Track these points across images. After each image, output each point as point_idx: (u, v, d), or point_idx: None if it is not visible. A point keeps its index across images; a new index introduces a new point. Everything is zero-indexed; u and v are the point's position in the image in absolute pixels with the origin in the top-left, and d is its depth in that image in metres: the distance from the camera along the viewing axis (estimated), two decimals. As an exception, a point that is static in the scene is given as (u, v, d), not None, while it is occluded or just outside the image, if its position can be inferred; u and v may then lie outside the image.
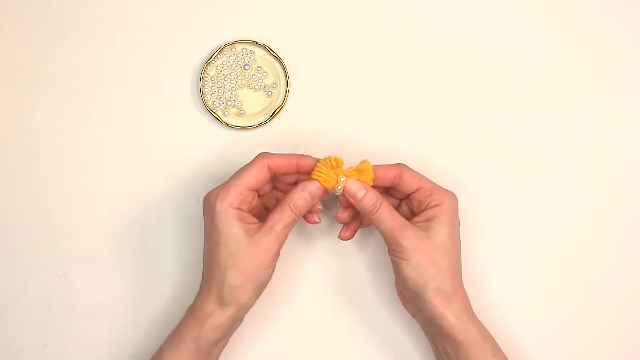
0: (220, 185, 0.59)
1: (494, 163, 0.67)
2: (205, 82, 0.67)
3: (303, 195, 0.58)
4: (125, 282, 0.66)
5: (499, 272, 0.66)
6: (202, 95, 0.66)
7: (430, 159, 0.66)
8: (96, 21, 0.67)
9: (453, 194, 0.60)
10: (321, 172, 0.59)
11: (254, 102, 0.67)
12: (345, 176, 0.58)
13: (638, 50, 0.68)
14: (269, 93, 0.67)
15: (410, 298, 0.60)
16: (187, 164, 0.66)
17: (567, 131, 0.67)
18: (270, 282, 0.59)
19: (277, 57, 0.67)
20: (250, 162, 0.59)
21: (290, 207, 0.58)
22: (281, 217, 0.58)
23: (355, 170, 0.59)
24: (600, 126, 0.67)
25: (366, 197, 0.58)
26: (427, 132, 0.67)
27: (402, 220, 0.59)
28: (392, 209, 0.59)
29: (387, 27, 0.68)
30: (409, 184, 0.60)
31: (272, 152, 0.64)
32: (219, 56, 0.67)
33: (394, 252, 0.58)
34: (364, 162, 0.59)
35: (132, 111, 0.67)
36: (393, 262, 0.59)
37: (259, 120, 0.67)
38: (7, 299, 0.65)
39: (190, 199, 0.66)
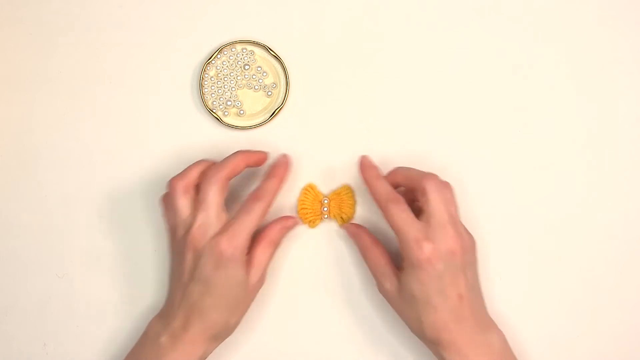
0: (224, 226, 0.59)
1: (495, 162, 0.67)
2: (205, 82, 0.67)
3: (282, 232, 0.62)
4: (125, 282, 0.66)
5: (499, 272, 0.66)
6: (202, 95, 0.66)
7: (430, 157, 0.66)
8: (96, 21, 0.68)
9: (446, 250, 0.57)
10: (305, 202, 0.65)
11: (254, 102, 0.67)
12: (328, 199, 0.65)
13: (638, 51, 0.68)
14: (269, 93, 0.67)
15: (414, 320, 0.60)
16: (187, 164, 0.66)
17: (566, 131, 0.67)
18: (267, 281, 0.62)
19: (277, 57, 0.67)
20: (251, 200, 0.59)
21: (272, 243, 0.61)
22: (264, 254, 0.60)
23: (336, 194, 0.65)
24: (601, 126, 0.67)
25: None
26: (428, 131, 0.67)
27: (387, 265, 0.60)
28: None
29: (387, 26, 0.68)
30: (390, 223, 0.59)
31: (271, 152, 0.65)
32: (218, 56, 0.67)
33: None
34: (344, 186, 0.65)
35: (131, 111, 0.67)
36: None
37: (259, 120, 0.67)
38: (7, 299, 0.66)
39: (190, 199, 0.66)
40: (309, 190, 0.65)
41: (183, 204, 0.59)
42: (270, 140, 0.67)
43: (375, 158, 0.63)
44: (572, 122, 0.67)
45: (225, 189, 0.60)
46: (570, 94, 0.68)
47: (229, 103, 0.67)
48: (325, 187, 0.66)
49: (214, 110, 0.67)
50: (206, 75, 0.67)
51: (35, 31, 0.67)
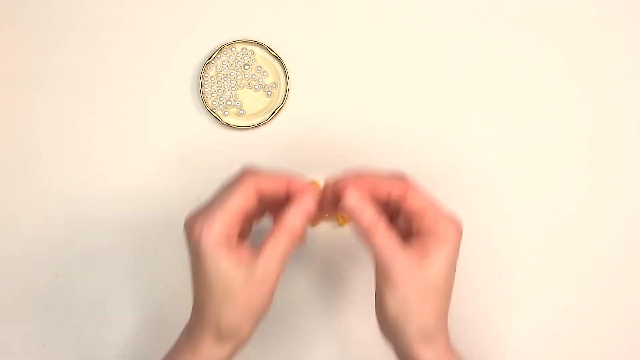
0: (202, 210, 0.51)
1: (496, 162, 0.67)
2: (205, 82, 0.67)
3: (299, 217, 0.51)
4: (125, 282, 0.66)
5: (499, 271, 0.66)
6: (202, 95, 0.67)
7: (431, 157, 0.66)
8: (96, 21, 0.68)
9: (458, 223, 0.52)
10: None
11: (254, 102, 0.67)
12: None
13: (638, 50, 0.68)
14: (269, 93, 0.67)
15: (386, 329, 0.53)
16: (186, 163, 0.67)
17: (567, 131, 0.67)
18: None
19: (277, 57, 0.67)
20: (236, 181, 0.52)
21: (287, 231, 0.51)
22: (277, 244, 0.50)
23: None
24: (601, 126, 0.67)
25: (364, 213, 0.51)
26: (429, 131, 0.67)
27: (396, 246, 0.51)
28: (388, 230, 0.51)
29: (387, 26, 0.68)
30: (414, 207, 0.52)
31: (271, 152, 0.64)
32: (218, 56, 0.67)
33: (380, 276, 0.52)
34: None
35: (131, 111, 0.67)
36: (377, 285, 0.52)
37: (258, 120, 0.67)
38: (7, 299, 0.65)
39: (190, 199, 0.66)
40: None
41: None
42: (270, 140, 0.67)
43: (375, 158, 0.62)
44: (573, 121, 0.67)
45: (252, 199, 0.52)
46: (571, 94, 0.68)
47: (229, 103, 0.67)
48: (325, 187, 0.66)
49: (214, 110, 0.67)
50: (206, 75, 0.67)
51: (35, 31, 0.67)
